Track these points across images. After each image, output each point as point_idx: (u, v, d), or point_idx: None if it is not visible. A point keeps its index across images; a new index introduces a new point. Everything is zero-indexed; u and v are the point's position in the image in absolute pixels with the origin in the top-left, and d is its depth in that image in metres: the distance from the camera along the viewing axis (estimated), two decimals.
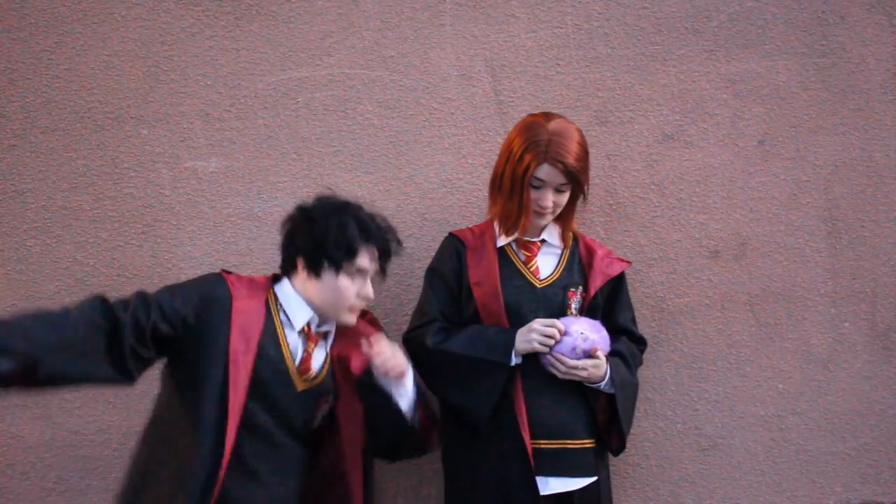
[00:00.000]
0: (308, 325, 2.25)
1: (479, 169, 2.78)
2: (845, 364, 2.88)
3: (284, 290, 2.26)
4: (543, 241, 2.49)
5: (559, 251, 2.51)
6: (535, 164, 2.34)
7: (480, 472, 2.42)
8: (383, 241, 2.25)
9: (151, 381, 2.75)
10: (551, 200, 2.38)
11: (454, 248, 2.53)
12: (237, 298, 2.18)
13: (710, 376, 2.86)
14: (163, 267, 2.76)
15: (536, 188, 2.38)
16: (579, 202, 2.49)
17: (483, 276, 2.46)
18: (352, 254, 2.19)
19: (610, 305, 2.55)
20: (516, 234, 2.46)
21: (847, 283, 2.88)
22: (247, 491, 2.15)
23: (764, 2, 2.84)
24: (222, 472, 2.07)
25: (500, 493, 2.39)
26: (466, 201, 2.78)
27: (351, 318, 2.25)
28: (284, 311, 2.25)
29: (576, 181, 2.38)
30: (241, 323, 2.16)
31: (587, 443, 2.43)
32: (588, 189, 2.46)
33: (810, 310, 2.87)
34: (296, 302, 2.24)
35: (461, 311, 2.48)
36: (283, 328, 2.23)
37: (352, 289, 2.21)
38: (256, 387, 2.15)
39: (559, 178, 2.36)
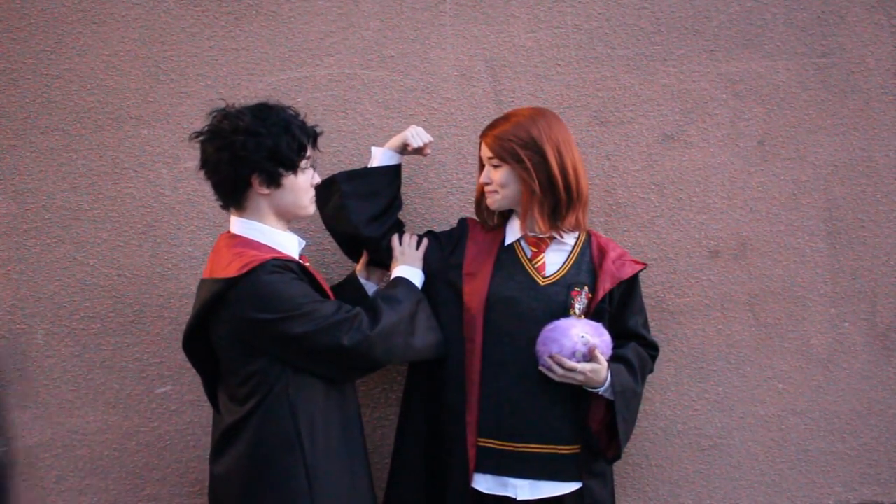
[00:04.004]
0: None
1: (478, 169, 2.78)
2: (845, 364, 2.88)
3: (258, 230, 2.24)
4: (552, 237, 2.46)
5: (569, 248, 2.48)
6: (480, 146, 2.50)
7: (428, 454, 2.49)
8: (311, 128, 2.28)
9: (150, 382, 2.76)
10: (487, 177, 2.44)
11: (460, 227, 2.59)
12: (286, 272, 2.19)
13: (710, 376, 2.86)
14: (163, 267, 2.76)
15: (484, 168, 2.48)
16: (535, 190, 2.39)
17: (477, 269, 2.46)
18: (303, 150, 2.23)
19: (621, 309, 2.49)
20: (494, 220, 2.51)
21: (847, 283, 2.88)
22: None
23: (764, 2, 2.84)
24: None
25: (438, 486, 2.46)
26: (466, 201, 2.78)
27: (311, 208, 2.32)
28: (274, 250, 2.24)
29: (499, 153, 2.39)
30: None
31: (564, 448, 2.41)
32: (528, 171, 2.37)
33: (810, 310, 2.87)
34: (280, 236, 2.25)
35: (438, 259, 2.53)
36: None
37: (306, 181, 2.27)
38: None
39: (487, 152, 2.44)
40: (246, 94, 2.74)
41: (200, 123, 2.74)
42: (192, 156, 2.75)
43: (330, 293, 2.35)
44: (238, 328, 2.15)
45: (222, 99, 2.34)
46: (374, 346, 2.22)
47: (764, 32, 2.84)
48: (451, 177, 2.80)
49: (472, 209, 2.75)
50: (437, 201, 2.80)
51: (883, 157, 2.88)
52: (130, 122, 2.75)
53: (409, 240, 2.55)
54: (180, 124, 2.75)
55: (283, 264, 2.17)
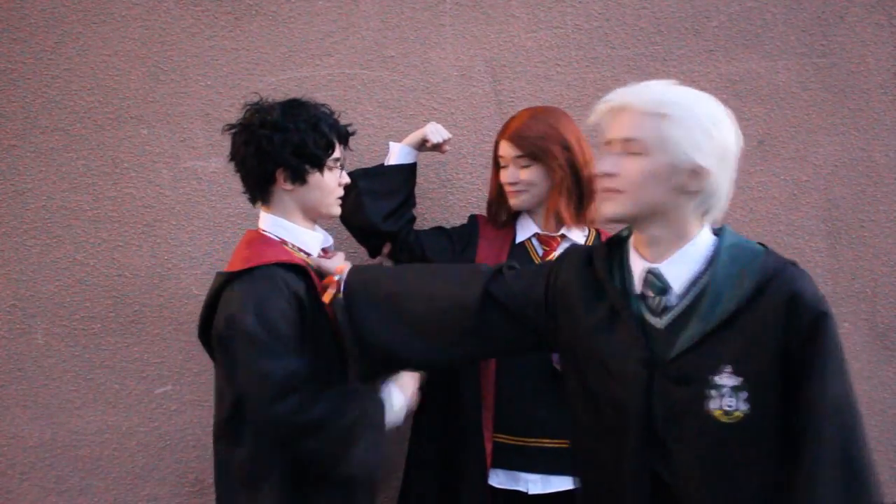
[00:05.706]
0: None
1: (479, 169, 2.78)
2: None
3: (282, 227, 2.23)
4: (563, 235, 2.45)
5: None
6: (497, 144, 2.46)
7: (441, 454, 2.48)
8: (342, 127, 2.28)
9: (150, 382, 2.76)
10: (514, 176, 2.42)
11: (471, 224, 2.57)
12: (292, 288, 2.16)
13: None
14: (163, 267, 2.76)
15: (504, 167, 2.45)
16: (565, 185, 2.39)
17: (490, 263, 2.45)
18: (331, 148, 2.22)
19: None
20: (504, 218, 2.49)
21: (847, 283, 2.88)
22: None
23: (764, 2, 2.84)
24: None
25: (452, 480, 2.45)
26: (466, 201, 2.79)
27: (338, 209, 2.31)
28: (299, 248, 2.24)
29: (531, 151, 2.38)
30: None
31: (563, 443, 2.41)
32: (561, 167, 2.37)
33: None
34: (304, 234, 2.24)
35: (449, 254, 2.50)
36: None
37: (333, 180, 2.26)
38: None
39: (513, 151, 2.41)
40: (246, 94, 2.74)
41: (200, 123, 2.77)
42: (192, 156, 2.76)
43: (327, 301, 2.29)
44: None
45: (256, 93, 2.33)
46: (287, 427, 2.05)
47: (764, 32, 2.84)
48: (451, 176, 2.80)
49: (472, 209, 2.76)
50: (437, 201, 2.80)
51: (883, 157, 2.88)
52: (130, 122, 2.75)
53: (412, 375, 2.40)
54: (180, 124, 2.75)
55: (281, 275, 2.12)
